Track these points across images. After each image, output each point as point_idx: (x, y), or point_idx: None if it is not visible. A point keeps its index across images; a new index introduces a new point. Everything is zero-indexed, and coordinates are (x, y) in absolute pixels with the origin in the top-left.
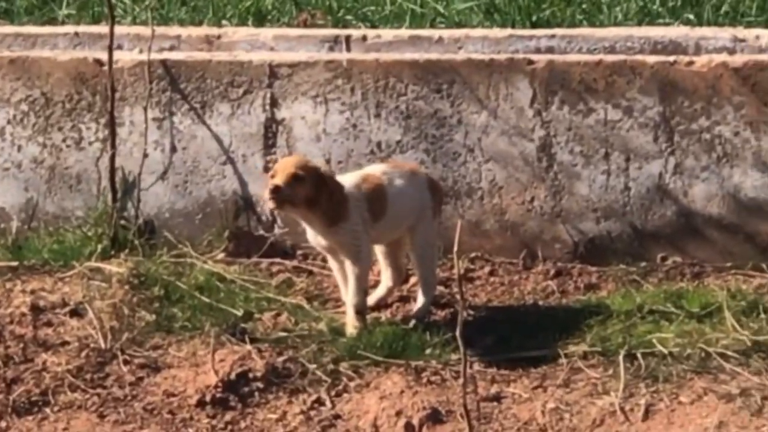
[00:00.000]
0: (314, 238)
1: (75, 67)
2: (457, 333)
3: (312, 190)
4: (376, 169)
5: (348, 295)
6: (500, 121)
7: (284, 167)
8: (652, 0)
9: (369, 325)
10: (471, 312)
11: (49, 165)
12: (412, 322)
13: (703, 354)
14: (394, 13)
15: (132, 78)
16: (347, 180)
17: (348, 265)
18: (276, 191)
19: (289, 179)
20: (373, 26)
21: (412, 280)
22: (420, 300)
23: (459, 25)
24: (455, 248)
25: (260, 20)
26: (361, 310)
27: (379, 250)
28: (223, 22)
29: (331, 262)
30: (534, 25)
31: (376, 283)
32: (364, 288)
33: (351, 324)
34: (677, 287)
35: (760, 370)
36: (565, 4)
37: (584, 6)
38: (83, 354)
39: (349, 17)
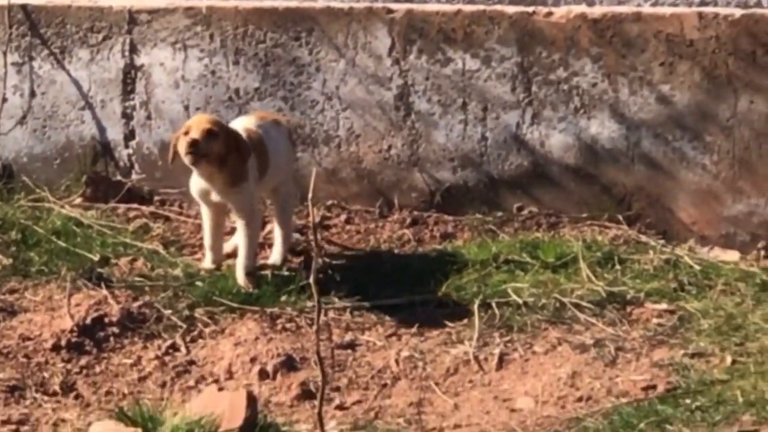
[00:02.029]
0: (205, 194)
1: None
2: (311, 280)
3: (224, 147)
4: (250, 123)
5: (239, 257)
6: (358, 70)
7: (198, 123)
8: None
9: (224, 272)
10: (326, 260)
11: None
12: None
13: (558, 304)
14: None
15: None
16: None
17: (242, 226)
18: (194, 145)
19: (205, 134)
20: None
21: (268, 227)
22: (277, 248)
23: None
24: (310, 196)
25: None
26: (252, 272)
27: None
28: None
29: (209, 215)
30: None
31: (233, 230)
32: (255, 250)
33: (243, 285)
34: (533, 237)
35: (614, 320)
36: None
37: None
38: None
39: None
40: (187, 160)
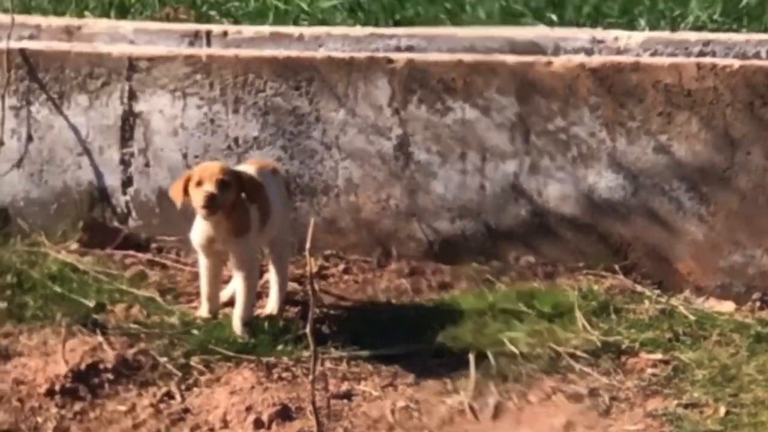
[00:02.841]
0: (208, 244)
1: None
2: (307, 330)
3: (236, 195)
4: (251, 172)
5: (236, 306)
6: (358, 119)
7: (211, 174)
8: (515, 0)
9: (221, 320)
10: (324, 309)
11: None
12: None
13: (553, 354)
14: (258, 10)
15: None
16: None
17: (241, 277)
18: (212, 199)
19: (220, 185)
20: (236, 22)
21: (264, 276)
22: (273, 297)
23: (322, 22)
24: (308, 246)
25: (123, 13)
26: (249, 322)
27: None
28: (86, 13)
29: (207, 264)
30: (397, 24)
31: (229, 278)
32: (253, 301)
33: (240, 336)
34: (529, 287)
35: (608, 370)
36: (428, 3)
37: (447, 5)
38: None
39: (212, 12)
40: (202, 213)
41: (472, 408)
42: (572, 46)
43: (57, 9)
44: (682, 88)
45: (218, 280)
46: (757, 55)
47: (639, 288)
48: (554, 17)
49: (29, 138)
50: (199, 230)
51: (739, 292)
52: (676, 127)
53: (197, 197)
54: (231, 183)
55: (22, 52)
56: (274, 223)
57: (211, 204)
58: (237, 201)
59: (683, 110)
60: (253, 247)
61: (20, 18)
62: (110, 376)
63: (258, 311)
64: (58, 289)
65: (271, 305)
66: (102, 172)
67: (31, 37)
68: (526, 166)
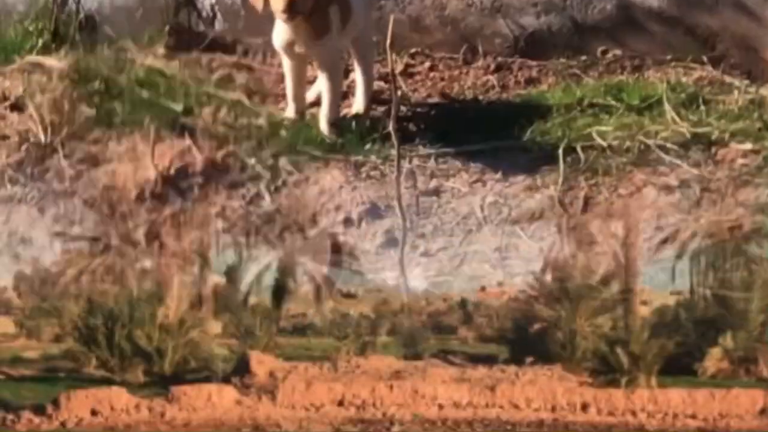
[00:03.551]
0: (289, 46)
1: None
2: (391, 127)
3: (315, 1)
4: None
5: (322, 107)
6: None
7: None
8: None
9: (308, 121)
10: (410, 107)
11: None
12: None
13: (642, 146)
14: None
15: None
16: None
17: (324, 79)
18: (292, 4)
19: None
20: None
21: (351, 76)
22: (360, 96)
23: None
24: (388, 42)
25: None
26: (335, 122)
27: None
28: None
29: (291, 65)
30: None
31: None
32: (338, 101)
33: (327, 135)
34: (617, 80)
35: (698, 161)
36: None
37: None
38: (23, 148)
39: None
40: (282, 17)
41: (561, 201)
42: None
43: None
44: None
45: (303, 81)
46: None
47: (728, 78)
48: None
49: None
50: (280, 33)
51: None
52: None
53: (277, 2)
54: None
55: None
56: (356, 22)
57: (292, 9)
58: (316, 3)
59: None
60: (335, 47)
61: None
62: (199, 179)
63: (344, 111)
64: (145, 94)
65: (357, 104)
66: None
67: None
68: None
